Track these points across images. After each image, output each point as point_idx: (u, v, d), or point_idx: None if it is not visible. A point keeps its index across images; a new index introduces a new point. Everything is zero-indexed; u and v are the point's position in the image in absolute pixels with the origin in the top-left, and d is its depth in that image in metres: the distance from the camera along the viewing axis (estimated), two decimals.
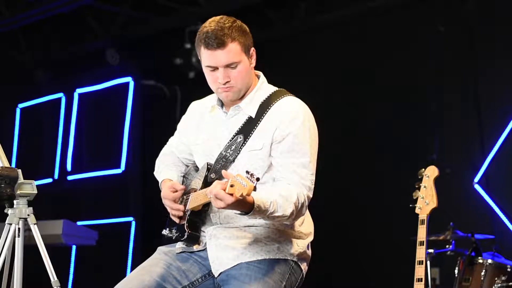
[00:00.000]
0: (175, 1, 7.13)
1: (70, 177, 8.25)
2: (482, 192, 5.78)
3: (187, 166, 3.25)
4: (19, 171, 3.32)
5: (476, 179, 5.79)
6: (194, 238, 3.01)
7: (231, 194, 2.55)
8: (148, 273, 2.99)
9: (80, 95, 8.32)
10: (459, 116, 6.10)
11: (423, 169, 3.71)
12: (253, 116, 2.97)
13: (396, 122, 6.34)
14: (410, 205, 3.66)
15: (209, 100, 3.15)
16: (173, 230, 3.07)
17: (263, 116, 2.95)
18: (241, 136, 2.95)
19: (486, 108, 5.91)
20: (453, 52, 6.11)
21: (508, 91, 5.80)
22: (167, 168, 3.22)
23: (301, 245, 3.01)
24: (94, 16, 7.58)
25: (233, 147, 2.95)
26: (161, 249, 3.11)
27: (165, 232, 3.13)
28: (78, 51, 8.09)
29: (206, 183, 2.95)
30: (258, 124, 2.95)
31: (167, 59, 7.53)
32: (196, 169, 3.16)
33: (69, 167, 8.25)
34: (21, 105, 8.74)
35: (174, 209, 3.05)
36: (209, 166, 3.01)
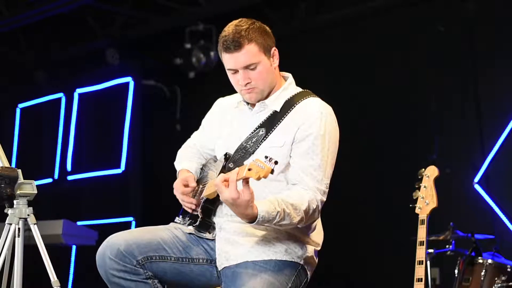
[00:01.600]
0: (175, 1, 7.12)
1: (70, 177, 8.25)
2: (482, 192, 5.78)
3: (206, 159, 3.27)
4: (19, 171, 3.31)
5: (476, 179, 5.79)
6: (206, 225, 3.02)
7: (246, 182, 2.58)
8: (150, 233, 3.03)
9: (80, 95, 8.32)
10: (459, 116, 6.10)
11: (423, 169, 3.70)
12: (278, 110, 2.98)
13: (396, 122, 6.34)
14: (410, 205, 3.66)
15: (236, 97, 3.17)
16: (186, 218, 3.09)
17: (287, 113, 2.97)
18: (263, 130, 2.97)
19: (486, 108, 5.91)
20: (453, 52, 6.11)
21: (508, 91, 5.80)
22: (187, 159, 3.24)
23: (309, 250, 3.02)
24: (94, 16, 7.58)
25: (254, 139, 2.97)
26: (172, 224, 3.13)
27: (177, 220, 3.15)
28: (78, 51, 8.09)
29: (224, 172, 2.94)
30: (282, 120, 2.96)
31: (167, 59, 7.52)
32: (215, 160, 3.17)
33: (69, 167, 8.25)
34: (21, 105, 8.74)
35: (186, 202, 3.07)
36: (227, 156, 3.02)
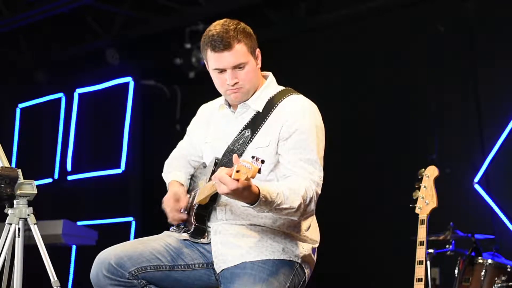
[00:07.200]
0: (175, 1, 7.13)
1: (70, 177, 8.25)
2: (482, 192, 5.78)
3: (195, 168, 3.27)
4: (19, 171, 3.32)
5: (476, 179, 5.79)
6: (200, 231, 3.02)
7: (237, 180, 2.54)
8: (143, 244, 3.03)
9: (80, 95, 8.32)
10: (459, 116, 6.10)
11: (423, 169, 3.70)
12: (260, 111, 2.99)
13: (396, 122, 6.34)
14: (410, 205, 3.66)
15: (218, 101, 3.19)
16: (181, 225, 3.09)
17: (271, 113, 2.97)
18: (249, 131, 2.97)
19: (486, 108, 5.91)
20: (453, 52, 6.11)
21: (508, 91, 5.80)
22: (175, 170, 3.23)
23: (306, 248, 3.02)
24: (94, 16, 7.58)
25: (241, 141, 2.98)
26: (166, 232, 3.13)
27: (172, 228, 3.16)
28: (78, 51, 8.09)
29: None
30: (266, 120, 2.97)
31: (167, 59, 7.52)
32: (205, 166, 3.17)
33: (69, 167, 8.25)
34: (21, 105, 8.74)
35: (176, 218, 3.07)
36: (216, 161, 3.03)
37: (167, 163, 3.32)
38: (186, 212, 3.07)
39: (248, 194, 2.63)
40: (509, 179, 5.77)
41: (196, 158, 3.26)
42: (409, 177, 3.85)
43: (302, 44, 7.02)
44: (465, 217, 5.67)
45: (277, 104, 2.99)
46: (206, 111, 3.24)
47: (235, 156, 2.62)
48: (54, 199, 8.03)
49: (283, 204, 2.75)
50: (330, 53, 6.75)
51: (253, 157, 2.54)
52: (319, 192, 2.90)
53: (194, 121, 3.29)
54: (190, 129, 3.31)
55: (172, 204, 3.06)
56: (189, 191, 3.21)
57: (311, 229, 3.05)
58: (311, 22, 6.91)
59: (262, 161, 2.54)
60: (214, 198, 2.98)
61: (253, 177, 2.55)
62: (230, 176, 2.54)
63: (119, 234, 7.65)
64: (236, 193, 2.60)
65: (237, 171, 2.53)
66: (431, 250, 4.89)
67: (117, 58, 7.73)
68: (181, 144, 3.35)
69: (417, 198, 3.65)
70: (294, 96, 3.03)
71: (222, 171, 2.59)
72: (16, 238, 3.32)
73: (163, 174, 3.29)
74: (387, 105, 6.42)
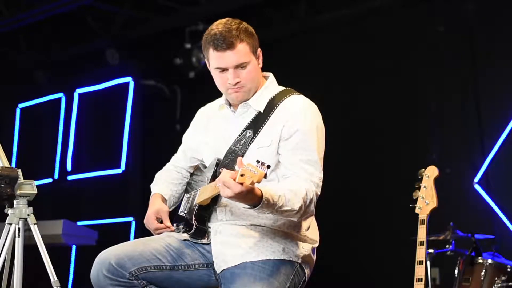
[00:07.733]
0: (175, 1, 7.13)
1: (70, 177, 8.25)
2: (482, 192, 5.78)
3: (192, 174, 3.27)
4: (19, 171, 3.32)
5: (476, 179, 5.79)
6: (201, 232, 3.01)
7: (241, 184, 2.52)
8: (143, 244, 3.02)
9: (80, 95, 8.32)
10: (459, 116, 6.10)
11: (423, 169, 3.70)
12: (262, 111, 2.99)
13: (396, 122, 6.34)
14: (410, 205, 3.66)
15: (217, 101, 3.19)
16: (181, 226, 3.08)
17: (272, 113, 2.97)
18: (250, 131, 2.97)
19: (486, 108, 5.91)
20: (453, 52, 6.11)
21: (508, 91, 5.80)
22: (163, 184, 3.24)
23: (306, 248, 3.02)
24: (94, 16, 7.58)
25: (242, 141, 2.97)
26: (166, 232, 3.13)
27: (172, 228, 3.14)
28: (78, 51, 8.09)
29: (215, 178, 2.93)
30: (267, 120, 2.97)
31: (167, 59, 7.53)
32: (205, 167, 3.17)
33: (69, 167, 8.25)
34: (21, 105, 8.75)
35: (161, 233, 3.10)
36: (218, 162, 3.02)
37: (158, 174, 3.32)
38: (185, 213, 3.07)
39: (251, 197, 2.63)
40: (509, 179, 5.77)
41: (195, 162, 3.26)
42: (409, 177, 3.85)
43: (302, 44, 7.02)
44: (465, 217, 5.66)
45: (278, 104, 2.99)
46: (204, 113, 3.24)
47: (239, 159, 2.61)
48: (54, 199, 8.03)
49: (284, 207, 2.75)
50: (330, 53, 6.75)
51: (258, 161, 2.53)
52: (319, 193, 2.90)
53: (191, 125, 3.29)
54: (186, 136, 3.30)
55: (156, 226, 3.09)
56: (188, 190, 3.21)
57: (311, 229, 3.06)
58: (311, 22, 6.91)
59: (268, 166, 2.53)
60: (214, 199, 2.97)
61: (258, 182, 2.53)
62: (235, 180, 2.53)
63: (119, 234, 7.65)
64: (239, 197, 2.60)
65: (242, 175, 2.51)
66: (431, 250, 4.88)
67: (117, 58, 7.73)
68: (175, 157, 3.34)
69: (417, 198, 3.65)
70: (295, 96, 3.03)
71: (226, 174, 2.58)
72: (16, 238, 3.32)
73: (151, 186, 3.29)
74: (387, 105, 6.42)
